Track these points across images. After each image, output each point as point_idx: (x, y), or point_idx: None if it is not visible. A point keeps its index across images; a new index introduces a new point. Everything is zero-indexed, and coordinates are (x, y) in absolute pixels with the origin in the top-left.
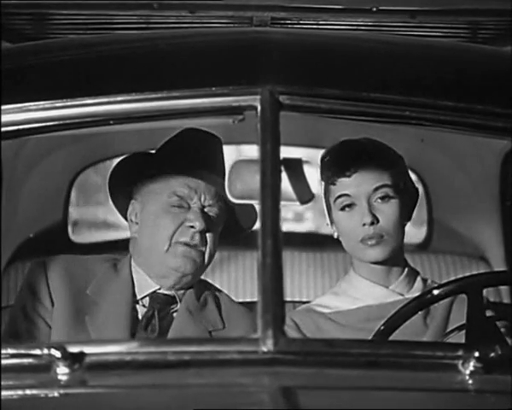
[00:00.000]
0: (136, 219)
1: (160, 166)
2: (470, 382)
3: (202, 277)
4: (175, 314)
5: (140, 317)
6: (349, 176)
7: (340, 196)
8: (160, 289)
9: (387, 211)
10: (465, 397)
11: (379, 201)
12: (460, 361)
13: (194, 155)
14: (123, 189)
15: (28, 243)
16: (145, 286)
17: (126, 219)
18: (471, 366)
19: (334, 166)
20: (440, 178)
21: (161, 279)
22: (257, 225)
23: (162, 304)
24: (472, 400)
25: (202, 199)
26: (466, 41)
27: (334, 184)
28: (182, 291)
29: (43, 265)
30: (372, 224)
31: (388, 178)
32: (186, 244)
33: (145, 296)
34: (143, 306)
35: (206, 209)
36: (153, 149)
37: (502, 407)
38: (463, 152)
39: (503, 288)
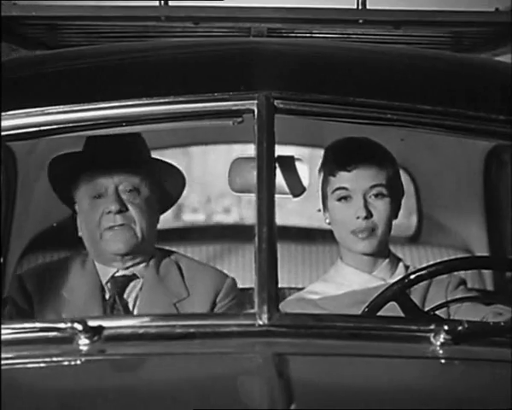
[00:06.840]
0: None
1: (84, 163)
2: (441, 352)
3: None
4: (138, 292)
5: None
6: (349, 171)
7: (338, 188)
8: (117, 271)
9: (380, 208)
10: (436, 364)
11: (373, 197)
12: (432, 334)
13: (113, 145)
14: (63, 187)
15: (40, 237)
16: (105, 273)
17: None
18: (441, 337)
19: (337, 160)
20: (429, 176)
21: (112, 263)
22: (254, 218)
23: (121, 287)
24: (442, 367)
25: (117, 182)
26: (447, 49)
27: (333, 176)
28: (139, 267)
29: (20, 278)
30: (366, 218)
31: (384, 177)
32: (111, 228)
33: (108, 281)
34: (109, 291)
35: (120, 188)
36: (156, 149)
37: (468, 372)
38: (450, 151)
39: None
